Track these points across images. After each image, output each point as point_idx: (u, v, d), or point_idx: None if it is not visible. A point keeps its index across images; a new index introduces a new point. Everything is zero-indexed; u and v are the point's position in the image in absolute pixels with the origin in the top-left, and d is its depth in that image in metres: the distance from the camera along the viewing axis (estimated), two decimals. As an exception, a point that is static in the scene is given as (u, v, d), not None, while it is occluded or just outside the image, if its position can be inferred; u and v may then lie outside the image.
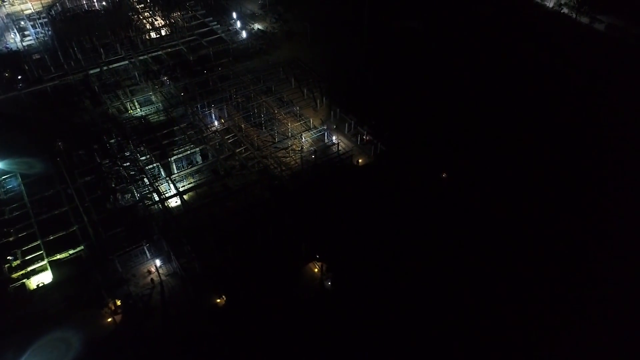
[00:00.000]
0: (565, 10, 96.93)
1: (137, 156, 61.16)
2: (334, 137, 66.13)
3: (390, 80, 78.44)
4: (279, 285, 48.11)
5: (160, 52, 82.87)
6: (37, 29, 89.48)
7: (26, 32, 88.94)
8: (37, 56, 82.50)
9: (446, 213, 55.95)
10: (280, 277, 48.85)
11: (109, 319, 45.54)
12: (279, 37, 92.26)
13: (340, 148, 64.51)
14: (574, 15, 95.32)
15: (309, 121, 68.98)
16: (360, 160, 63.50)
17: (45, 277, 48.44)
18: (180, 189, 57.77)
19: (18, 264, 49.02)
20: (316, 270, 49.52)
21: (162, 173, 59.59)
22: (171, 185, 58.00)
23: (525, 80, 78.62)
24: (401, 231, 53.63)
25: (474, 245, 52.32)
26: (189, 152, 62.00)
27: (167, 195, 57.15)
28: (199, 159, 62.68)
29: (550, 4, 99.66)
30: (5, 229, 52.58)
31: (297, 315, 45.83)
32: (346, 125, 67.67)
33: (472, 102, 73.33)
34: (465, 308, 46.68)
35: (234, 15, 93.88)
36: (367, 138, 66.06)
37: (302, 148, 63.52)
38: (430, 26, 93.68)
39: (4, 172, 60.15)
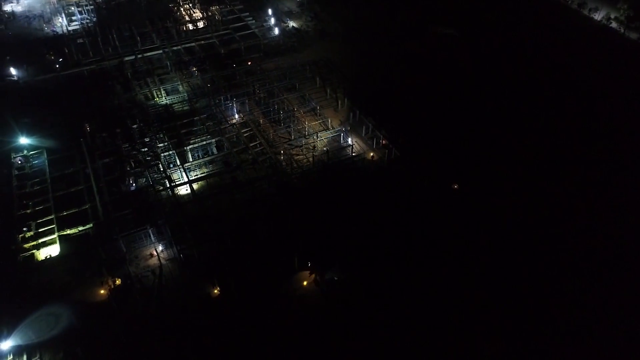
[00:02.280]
0: (613, 24, 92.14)
1: (156, 142, 63.20)
2: (349, 139, 65.92)
3: (417, 86, 77.13)
4: (271, 285, 48.58)
5: (193, 44, 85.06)
6: (84, 15, 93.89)
7: (73, 18, 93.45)
8: (80, 41, 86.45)
9: (453, 225, 54.65)
10: (273, 277, 49.26)
11: (106, 296, 47.41)
12: (311, 35, 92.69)
13: (354, 150, 64.34)
14: (622, 30, 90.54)
15: (328, 121, 68.99)
16: (372, 155, 63.53)
17: (54, 250, 50.96)
18: (192, 178, 59.32)
19: (31, 235, 51.85)
20: (308, 275, 49.56)
21: (177, 161, 61.27)
22: (183, 173, 59.59)
23: (564, 96, 75.28)
24: (402, 241, 52.88)
25: (477, 260, 51.00)
26: (204, 142, 63.45)
27: (177, 182, 58.77)
28: (214, 150, 64.03)
29: (598, 17, 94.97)
30: (24, 202, 55.72)
31: (283, 317, 46.20)
32: (363, 127, 67.34)
33: (500, 115, 70.96)
34: (466, 323, 45.80)
35: (270, 11, 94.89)
36: (384, 142, 65.44)
37: (314, 147, 63.76)
38: (466, 34, 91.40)
39: (34, 148, 63.62)
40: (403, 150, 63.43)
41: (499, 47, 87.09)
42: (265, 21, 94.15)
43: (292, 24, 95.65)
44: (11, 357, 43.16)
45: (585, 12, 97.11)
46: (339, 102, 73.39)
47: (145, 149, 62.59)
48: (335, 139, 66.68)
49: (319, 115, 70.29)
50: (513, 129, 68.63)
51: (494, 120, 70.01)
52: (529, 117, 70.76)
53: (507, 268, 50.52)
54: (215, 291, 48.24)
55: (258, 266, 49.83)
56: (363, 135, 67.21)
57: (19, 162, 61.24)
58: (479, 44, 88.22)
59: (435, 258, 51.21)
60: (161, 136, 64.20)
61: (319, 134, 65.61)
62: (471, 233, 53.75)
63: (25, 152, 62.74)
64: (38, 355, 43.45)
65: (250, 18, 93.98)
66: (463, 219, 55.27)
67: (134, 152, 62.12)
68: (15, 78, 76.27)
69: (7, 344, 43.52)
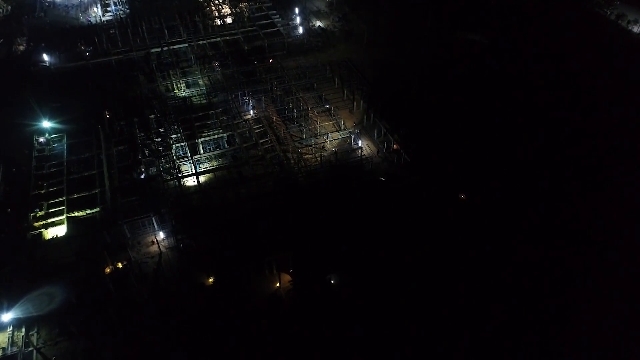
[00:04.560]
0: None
1: (170, 133, 64.82)
2: (360, 141, 65.70)
3: (438, 93, 75.89)
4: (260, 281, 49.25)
5: (218, 39, 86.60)
6: (118, 7, 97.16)
7: (108, 9, 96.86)
8: (112, 31, 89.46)
9: (456, 235, 53.61)
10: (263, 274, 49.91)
11: (105, 278, 49.15)
12: (337, 36, 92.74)
13: (364, 153, 64.12)
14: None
15: (341, 122, 68.90)
16: (378, 151, 64.25)
17: (60, 230, 53.15)
18: (200, 170, 60.56)
19: (42, 215, 54.25)
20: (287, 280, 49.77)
21: (188, 152, 62.63)
22: (193, 165, 60.88)
23: (594, 111, 72.10)
24: (402, 247, 52.35)
25: (478, 280, 49.90)
26: (216, 136, 64.65)
27: (186, 173, 60.11)
28: (225, 144, 65.10)
29: (638, 30, 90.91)
30: (40, 182, 58.36)
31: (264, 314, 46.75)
32: (375, 131, 66.97)
33: (523, 129, 68.34)
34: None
35: (296, 10, 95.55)
36: (395, 146, 64.92)
37: (323, 147, 63.90)
38: (495, 42, 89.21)
39: (55, 131, 66.47)
40: (413, 156, 62.72)
41: (528, 57, 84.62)
42: (292, 20, 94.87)
43: (318, 23, 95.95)
44: (11, 329, 45.40)
45: (624, 24, 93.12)
46: (355, 104, 73.21)
47: (159, 139, 64.28)
48: (347, 141, 66.57)
49: (333, 116, 70.33)
50: (535, 143, 66.20)
51: (516, 133, 67.63)
52: (555, 132, 68.14)
53: (508, 277, 49.43)
54: (209, 281, 49.24)
55: (252, 261, 50.32)
56: (375, 138, 66.86)
57: (40, 144, 64.13)
58: (507, 52, 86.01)
59: (434, 266, 50.55)
60: (176, 127, 65.74)
61: (329, 135, 65.69)
62: (475, 243, 52.77)
63: (47, 135, 65.66)
64: (36, 330, 45.62)
65: (277, 16, 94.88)
66: (467, 229, 54.25)
67: (148, 142, 63.92)
68: (47, 64, 79.74)
69: (8, 316, 45.75)
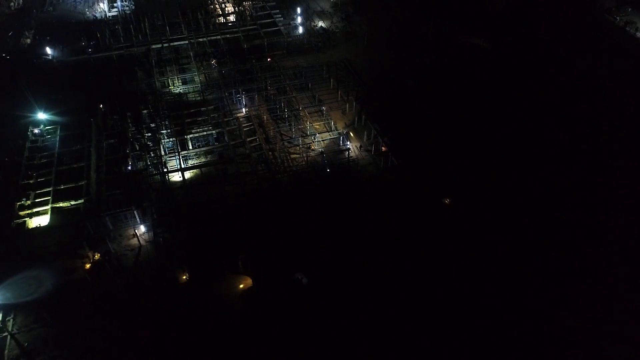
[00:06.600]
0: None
1: (160, 129, 65.65)
2: (348, 143, 65.56)
3: (434, 97, 75.25)
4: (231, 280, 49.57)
5: (219, 37, 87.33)
6: (124, 3, 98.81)
7: (114, 4, 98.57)
8: (117, 27, 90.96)
9: (439, 243, 53.00)
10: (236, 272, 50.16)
11: (83, 269, 50.08)
12: (338, 37, 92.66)
13: (351, 154, 63.95)
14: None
15: (331, 123, 68.86)
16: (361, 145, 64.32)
17: (44, 220, 54.28)
18: (187, 166, 61.21)
19: (28, 204, 55.49)
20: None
21: (176, 148, 63.27)
22: (179, 161, 61.53)
23: (595, 121, 70.04)
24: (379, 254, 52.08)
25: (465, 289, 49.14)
26: (205, 133, 65.26)
27: (172, 168, 60.82)
28: (214, 141, 65.67)
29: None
30: (29, 172, 59.72)
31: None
32: (365, 133, 66.76)
33: (522, 137, 67.00)
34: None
35: (298, 10, 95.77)
36: (384, 148, 64.62)
37: (309, 147, 63.95)
38: (498, 46, 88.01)
39: (50, 123, 67.92)
40: (401, 158, 62.32)
41: (531, 62, 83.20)
42: (294, 19, 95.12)
43: (320, 23, 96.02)
44: (-12, 314, 46.65)
45: (632, 30, 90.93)
46: (348, 105, 73.08)
47: (149, 134, 65.17)
48: (335, 142, 66.50)
49: (324, 117, 70.31)
50: (535, 147, 65.14)
51: (513, 141, 66.37)
52: (555, 137, 66.66)
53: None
54: (184, 277, 49.74)
55: (226, 259, 50.62)
56: (365, 140, 66.65)
57: (35, 135, 65.61)
58: (510, 57, 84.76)
59: (417, 270, 50.17)
60: (167, 123, 66.55)
61: (316, 135, 65.68)
62: (458, 248, 52.13)
63: (42, 126, 67.13)
64: (12, 316, 46.72)
65: (280, 15, 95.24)
66: (451, 234, 53.72)
67: (138, 136, 64.89)
68: (50, 57, 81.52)
69: (-14, 302, 47.06)
